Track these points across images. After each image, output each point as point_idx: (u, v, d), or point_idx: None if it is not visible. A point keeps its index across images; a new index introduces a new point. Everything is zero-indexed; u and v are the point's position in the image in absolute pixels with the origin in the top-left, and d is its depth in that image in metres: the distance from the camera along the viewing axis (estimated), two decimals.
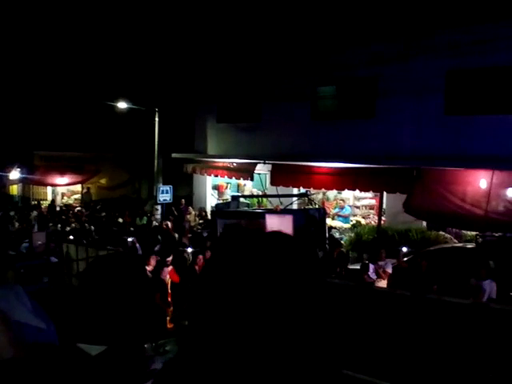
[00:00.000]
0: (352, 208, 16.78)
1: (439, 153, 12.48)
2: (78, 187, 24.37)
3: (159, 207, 17.49)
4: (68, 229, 15.28)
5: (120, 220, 17.00)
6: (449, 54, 12.42)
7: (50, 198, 23.55)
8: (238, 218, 11.26)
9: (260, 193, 17.19)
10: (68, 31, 20.24)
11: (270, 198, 14.92)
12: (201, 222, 16.86)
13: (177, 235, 13.84)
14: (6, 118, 20.93)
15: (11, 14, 19.15)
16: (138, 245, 12.08)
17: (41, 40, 20.44)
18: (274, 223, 10.33)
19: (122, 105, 19.38)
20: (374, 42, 13.71)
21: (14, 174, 21.37)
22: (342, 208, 16.47)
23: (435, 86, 12.80)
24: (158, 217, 17.10)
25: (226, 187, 18.97)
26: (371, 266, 9.81)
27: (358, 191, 14.81)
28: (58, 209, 20.54)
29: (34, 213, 18.17)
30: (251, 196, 17.04)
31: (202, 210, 17.89)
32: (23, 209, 19.41)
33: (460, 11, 12.01)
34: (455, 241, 12.61)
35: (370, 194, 16.19)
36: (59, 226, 15.56)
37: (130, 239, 12.12)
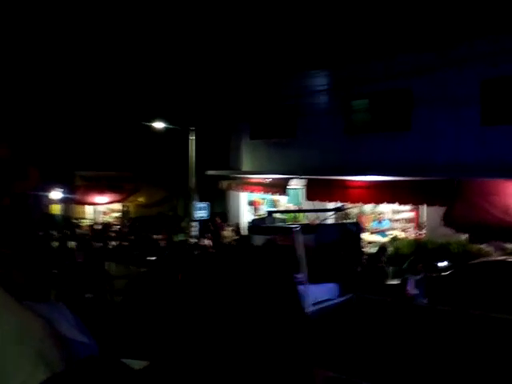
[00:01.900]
0: (390, 221, 16.48)
1: (478, 164, 12.20)
2: (118, 205, 24.91)
3: (196, 224, 17.67)
4: (109, 247, 15.63)
5: (160, 236, 17.23)
6: (484, 63, 12.19)
7: (90, 216, 24.14)
8: (273, 234, 11.25)
9: (296, 208, 17.15)
10: (106, 54, 20.91)
11: (306, 213, 14.87)
12: (237, 237, 16.94)
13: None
14: (49, 140, 21.67)
15: (51, 36, 19.95)
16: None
17: (80, 64, 21.18)
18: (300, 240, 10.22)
19: (159, 125, 19.79)
20: (407, 54, 13.60)
21: (56, 194, 22.01)
22: (380, 222, 16.17)
23: (471, 96, 12.56)
24: (195, 233, 17.28)
25: (262, 203, 19.00)
26: (410, 281, 9.61)
27: (395, 204, 14.58)
28: (98, 227, 21.03)
29: (80, 231, 18.75)
30: (287, 211, 17.01)
31: (238, 225, 17.98)
32: (65, 228, 19.93)
33: (492, 20, 11.81)
34: (498, 254, 12.22)
35: (408, 207, 15.88)
36: (99, 244, 15.91)
37: (152, 258, 12.28)
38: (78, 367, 0.86)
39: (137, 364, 0.97)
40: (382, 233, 15.92)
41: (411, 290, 9.37)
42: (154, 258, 12.31)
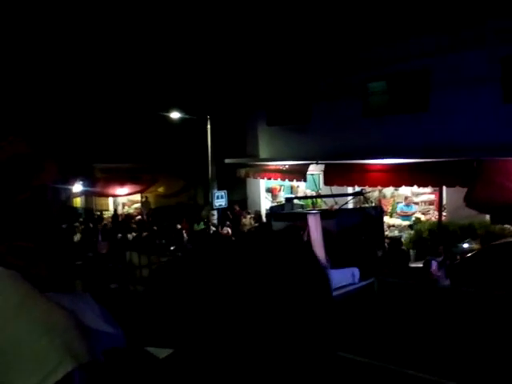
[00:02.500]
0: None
1: (499, 143, 11.96)
2: (138, 197, 25.14)
3: (215, 212, 17.75)
4: (130, 237, 15.82)
5: (178, 226, 17.37)
6: (502, 40, 11.90)
7: (111, 208, 24.43)
8: (292, 220, 11.25)
9: (314, 194, 17.10)
10: (122, 47, 20.96)
11: (324, 199, 14.81)
12: (256, 225, 16.97)
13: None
14: (67, 134, 21.90)
15: (72, 35, 20.08)
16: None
17: (96, 58, 21.28)
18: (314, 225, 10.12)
19: (175, 115, 19.83)
20: (423, 34, 13.34)
21: (77, 187, 22.27)
22: (408, 205, 15.77)
23: (491, 74, 12.29)
24: (215, 222, 17.37)
25: (280, 189, 18.98)
26: (433, 263, 9.55)
27: (415, 187, 14.42)
28: (120, 218, 21.29)
29: (103, 222, 19.11)
30: (305, 197, 16.97)
31: (257, 213, 18.01)
32: (87, 220, 20.22)
33: None
34: None
35: (428, 189, 15.68)
36: (120, 235, 16.11)
37: (172, 247, 12.42)
38: (103, 358, 0.86)
39: (162, 352, 0.97)
40: (406, 216, 15.60)
41: (435, 272, 9.31)
42: (174, 248, 12.45)
